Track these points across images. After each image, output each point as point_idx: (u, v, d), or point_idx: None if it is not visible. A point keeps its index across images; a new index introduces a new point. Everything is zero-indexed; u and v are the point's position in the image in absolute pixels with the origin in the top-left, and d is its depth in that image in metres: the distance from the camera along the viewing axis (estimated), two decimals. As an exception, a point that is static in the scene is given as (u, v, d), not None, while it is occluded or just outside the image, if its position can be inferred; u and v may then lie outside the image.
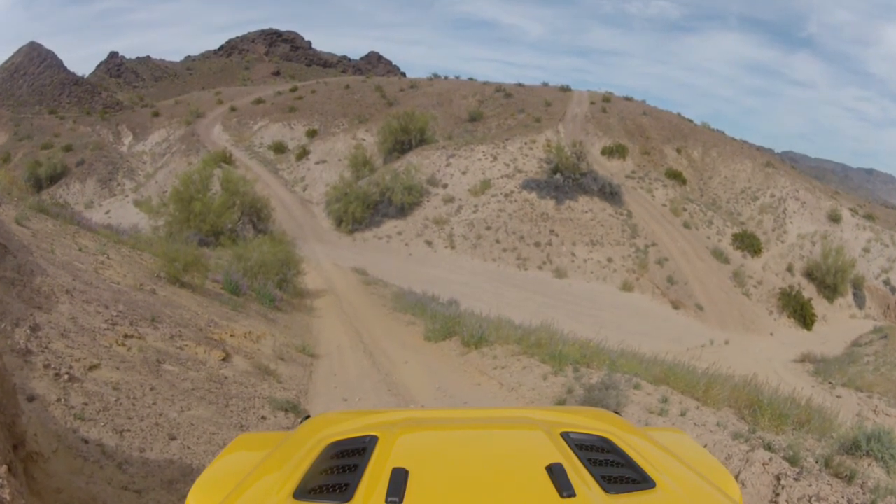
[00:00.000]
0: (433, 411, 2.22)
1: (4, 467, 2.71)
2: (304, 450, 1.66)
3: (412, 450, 1.60)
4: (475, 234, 26.13)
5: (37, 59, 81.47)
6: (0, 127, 54.82)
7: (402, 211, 28.04)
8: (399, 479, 1.33)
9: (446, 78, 58.67)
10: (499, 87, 48.98)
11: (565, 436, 1.67)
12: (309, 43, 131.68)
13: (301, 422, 2.11)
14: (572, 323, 15.08)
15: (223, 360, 7.43)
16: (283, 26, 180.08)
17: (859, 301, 28.36)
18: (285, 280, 15.01)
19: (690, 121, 46.94)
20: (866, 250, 31.68)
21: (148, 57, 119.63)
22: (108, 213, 35.67)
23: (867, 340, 21.89)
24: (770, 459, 4.43)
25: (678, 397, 7.58)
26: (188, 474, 4.28)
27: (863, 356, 19.51)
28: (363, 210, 28.18)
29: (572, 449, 1.57)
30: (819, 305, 25.91)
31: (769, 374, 13.27)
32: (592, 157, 32.43)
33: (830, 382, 15.40)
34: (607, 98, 45.94)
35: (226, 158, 37.52)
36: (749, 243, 28.41)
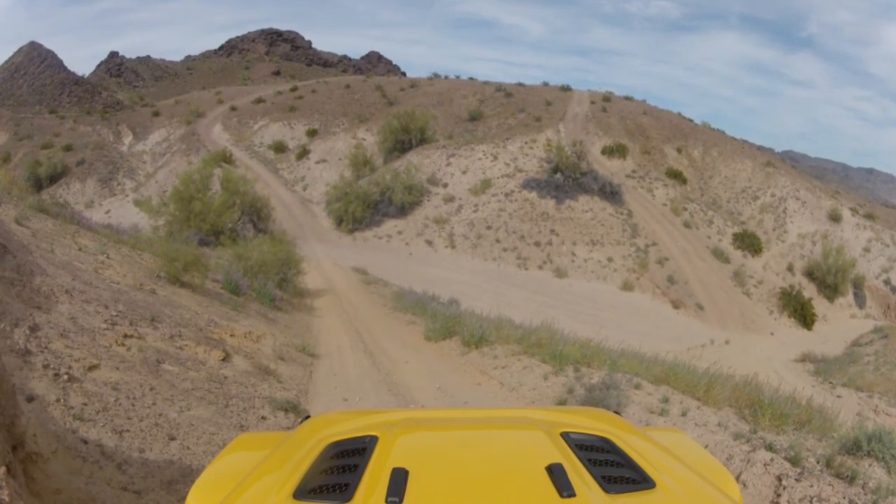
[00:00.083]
0: (433, 411, 2.22)
1: (3, 468, 2.70)
2: (304, 450, 1.66)
3: (412, 450, 1.60)
4: (475, 234, 26.12)
5: (37, 58, 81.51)
6: (0, 127, 54.81)
7: (403, 210, 28.03)
8: (399, 479, 1.33)
9: (446, 77, 58.68)
10: (499, 87, 48.97)
11: (565, 436, 1.66)
12: (309, 42, 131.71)
13: (301, 422, 2.11)
14: (573, 322, 15.07)
15: (223, 359, 7.43)
16: (283, 26, 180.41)
17: (860, 301, 28.35)
18: (285, 280, 15.00)
19: (691, 120, 46.93)
20: (867, 250, 31.66)
21: (148, 56, 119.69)
22: (108, 212, 35.67)
23: (867, 340, 21.88)
24: (771, 460, 4.42)
25: (679, 397, 7.57)
26: (188, 475, 4.27)
27: (863, 356, 19.50)
28: (363, 209, 28.18)
29: (572, 449, 1.57)
30: (819, 305, 25.90)
31: (770, 374, 13.27)
32: (593, 157, 32.42)
33: (831, 382, 15.39)
34: (607, 98, 45.92)
35: (226, 158, 37.52)
36: (749, 243, 28.39)
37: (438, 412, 2.19)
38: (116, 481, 3.93)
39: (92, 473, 3.85)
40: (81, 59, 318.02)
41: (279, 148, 43.23)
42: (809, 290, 26.48)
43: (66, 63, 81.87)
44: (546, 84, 52.80)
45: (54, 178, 42.08)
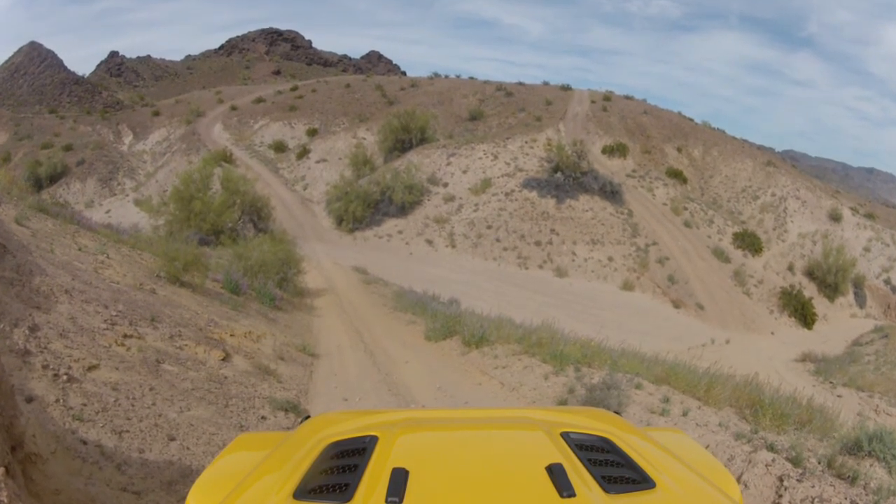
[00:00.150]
0: (433, 411, 2.22)
1: (2, 469, 2.69)
2: (304, 450, 1.66)
3: (412, 450, 1.60)
4: (476, 233, 26.11)
5: (37, 58, 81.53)
6: (0, 126, 54.81)
7: (403, 210, 28.02)
8: (399, 479, 1.33)
9: (447, 77, 58.68)
10: (499, 86, 48.95)
11: (565, 436, 1.66)
12: (309, 42, 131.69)
13: (301, 422, 2.11)
14: (573, 322, 15.05)
15: (223, 359, 7.41)
16: (283, 25, 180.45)
17: (860, 300, 28.33)
18: (286, 279, 14.98)
19: (691, 120, 46.90)
20: (867, 249, 31.64)
21: (148, 56, 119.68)
22: (108, 212, 35.67)
23: (868, 340, 21.87)
24: (773, 460, 4.41)
25: (680, 397, 7.56)
26: (187, 475, 4.26)
27: (863, 355, 19.49)
28: (364, 209, 28.17)
29: (572, 449, 1.57)
30: (820, 305, 25.88)
31: (770, 374, 13.26)
32: (593, 156, 32.40)
33: (831, 382, 15.38)
34: (608, 97, 45.89)
35: (226, 157, 37.50)
36: (750, 242, 28.38)
37: (438, 412, 2.19)
38: (116, 482, 3.92)
39: (91, 474, 3.84)
40: (81, 59, 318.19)
41: (279, 147, 43.23)
42: (810, 290, 26.47)
43: (66, 63, 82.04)
44: (546, 83, 52.81)
45: (54, 178, 42.09)
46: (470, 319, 11.37)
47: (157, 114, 56.03)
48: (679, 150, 38.33)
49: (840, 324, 25.41)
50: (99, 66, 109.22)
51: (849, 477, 4.46)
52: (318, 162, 38.84)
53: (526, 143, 32.56)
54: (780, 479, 4.21)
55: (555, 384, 8.15)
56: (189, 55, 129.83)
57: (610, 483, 1.40)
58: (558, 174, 27.83)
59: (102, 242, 10.99)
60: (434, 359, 10.05)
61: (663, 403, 7.14)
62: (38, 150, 47.15)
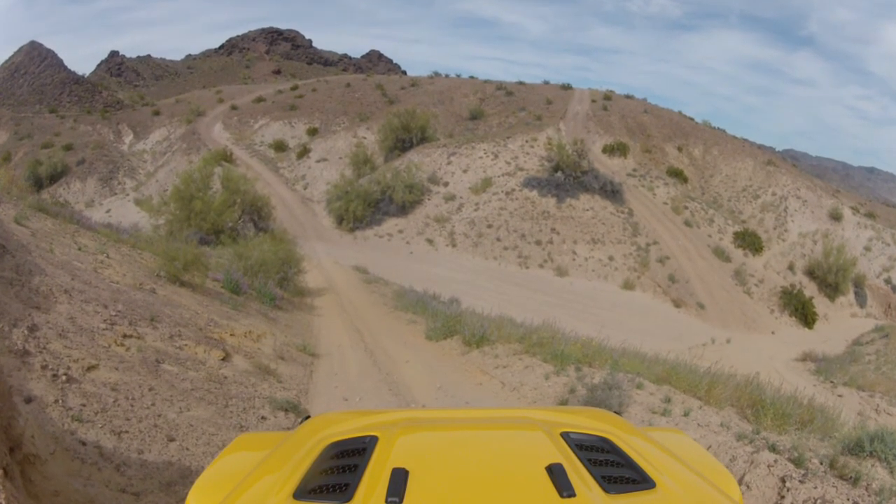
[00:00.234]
0: (433, 411, 2.23)
1: (1, 471, 2.68)
2: (304, 450, 1.67)
3: (412, 450, 1.60)
4: (476, 233, 26.09)
5: (37, 58, 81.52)
6: (0, 126, 54.81)
7: (403, 209, 28.01)
8: (399, 480, 1.34)
9: (447, 76, 58.65)
10: (500, 86, 48.91)
11: (565, 436, 1.67)
12: (310, 41, 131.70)
13: (301, 422, 2.12)
14: (574, 321, 15.03)
15: (223, 359, 7.40)
16: (283, 25, 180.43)
17: (860, 300, 28.31)
18: (286, 279, 14.97)
19: (691, 119, 46.87)
20: (867, 249, 31.62)
21: (148, 56, 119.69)
22: (108, 211, 35.67)
23: (868, 339, 21.85)
24: (775, 461, 4.39)
25: (681, 397, 7.54)
26: (187, 476, 4.25)
27: (864, 355, 19.48)
28: (364, 208, 28.16)
29: (572, 449, 1.58)
30: (820, 304, 25.86)
31: (771, 373, 13.26)
32: (593, 156, 32.37)
33: (832, 381, 15.36)
34: (608, 96, 45.87)
35: (226, 157, 37.48)
36: (750, 242, 28.36)
37: (438, 412, 2.20)
38: (115, 483, 3.90)
39: (90, 475, 3.83)
40: (82, 59, 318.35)
41: (280, 147, 43.22)
42: (810, 289, 26.44)
43: (66, 62, 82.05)
44: (547, 83, 52.79)
45: (55, 178, 42.10)
46: (470, 319, 11.36)
47: (157, 113, 56.04)
48: (679, 149, 38.30)
49: (840, 323, 25.38)
50: (99, 65, 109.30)
51: (851, 478, 4.44)
52: (318, 161, 38.83)
53: (526, 142, 32.54)
54: (783, 480, 4.19)
55: (556, 384, 8.13)
56: (189, 55, 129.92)
57: (610, 483, 1.41)
58: (559, 173, 27.80)
59: (102, 242, 10.97)
60: (434, 358, 10.03)
61: (665, 403, 7.12)
62: (38, 150, 47.15)
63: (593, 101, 44.00)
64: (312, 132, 44.34)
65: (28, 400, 4.29)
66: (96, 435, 4.36)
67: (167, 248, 11.44)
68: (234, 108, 52.58)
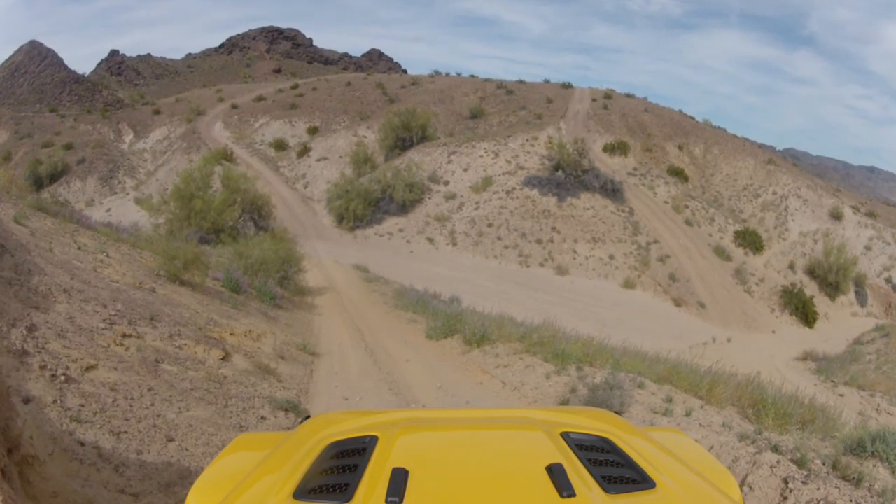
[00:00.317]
0: (433, 411, 2.24)
1: (-2, 472, 2.66)
2: (304, 450, 1.67)
3: (412, 450, 1.60)
4: (477, 231, 26.07)
5: (37, 57, 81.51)
6: (1, 125, 54.80)
7: (404, 208, 28.00)
8: (399, 480, 1.34)
9: (448, 75, 58.61)
10: (500, 84, 48.86)
11: (565, 436, 1.67)
12: (310, 40, 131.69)
13: (301, 422, 2.12)
14: (574, 320, 15.01)
15: (223, 359, 7.38)
16: (284, 24, 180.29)
17: (861, 299, 28.29)
18: (286, 278, 14.94)
19: (692, 118, 46.83)
20: (868, 248, 31.59)
21: (149, 55, 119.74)
22: (108, 211, 35.67)
23: (869, 338, 21.83)
24: (778, 462, 4.37)
25: (682, 397, 7.52)
26: (186, 476, 4.23)
27: (865, 354, 19.47)
28: (364, 207, 28.14)
29: (572, 449, 1.58)
30: (821, 303, 25.84)
31: (771, 373, 13.25)
32: (594, 154, 32.31)
33: (833, 381, 15.35)
34: (609, 95, 45.82)
35: (227, 156, 37.44)
36: (751, 241, 28.34)
37: (438, 412, 2.20)
38: (114, 484, 3.88)
39: (89, 476, 3.81)
40: (82, 58, 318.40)
41: (280, 146, 43.20)
42: (811, 289, 26.43)
43: (66, 62, 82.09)
44: (547, 81, 52.71)
45: (55, 177, 42.10)
46: (471, 318, 11.34)
47: (157, 112, 56.02)
48: (680, 148, 38.27)
49: (841, 322, 25.37)
50: (99, 64, 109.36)
51: (853, 478, 4.41)
52: (318, 160, 38.81)
53: (527, 141, 32.50)
54: (785, 481, 4.17)
55: (557, 383, 8.11)
56: (189, 53, 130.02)
57: (610, 483, 1.41)
58: (559, 172, 27.78)
59: (102, 241, 10.95)
60: (435, 357, 10.01)
61: (666, 403, 7.10)
62: (38, 149, 47.14)
63: (594, 99, 43.96)
64: (313, 131, 44.32)
65: (26, 400, 4.27)
66: (95, 435, 4.34)
67: (167, 248, 11.41)
68: (234, 106, 52.56)
